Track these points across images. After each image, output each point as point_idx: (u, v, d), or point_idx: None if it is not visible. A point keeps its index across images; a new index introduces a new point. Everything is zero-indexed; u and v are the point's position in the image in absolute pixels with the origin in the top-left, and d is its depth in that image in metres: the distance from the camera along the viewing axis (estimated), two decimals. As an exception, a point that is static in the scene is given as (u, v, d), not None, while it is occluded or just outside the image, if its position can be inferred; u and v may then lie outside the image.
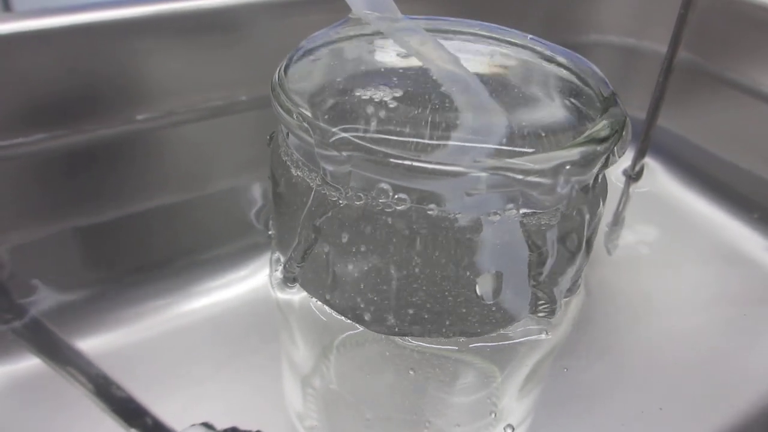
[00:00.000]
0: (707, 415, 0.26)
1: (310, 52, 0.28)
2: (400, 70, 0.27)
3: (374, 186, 0.22)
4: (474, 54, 0.29)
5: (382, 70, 0.27)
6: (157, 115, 0.32)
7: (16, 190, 0.30)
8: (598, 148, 0.22)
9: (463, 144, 0.23)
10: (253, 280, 0.31)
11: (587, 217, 0.25)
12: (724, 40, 0.40)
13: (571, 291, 0.29)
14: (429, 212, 0.23)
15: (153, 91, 0.32)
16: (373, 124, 0.24)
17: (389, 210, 0.23)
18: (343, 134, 0.22)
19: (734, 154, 0.41)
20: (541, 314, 0.27)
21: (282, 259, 0.28)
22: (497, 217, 0.23)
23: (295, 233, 0.25)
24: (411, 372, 0.26)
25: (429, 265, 0.24)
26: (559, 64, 0.28)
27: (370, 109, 0.24)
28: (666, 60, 0.37)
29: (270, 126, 0.28)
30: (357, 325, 0.27)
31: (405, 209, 0.23)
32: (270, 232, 0.33)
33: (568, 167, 0.21)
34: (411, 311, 0.25)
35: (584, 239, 0.26)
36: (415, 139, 0.23)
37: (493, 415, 0.25)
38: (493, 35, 0.30)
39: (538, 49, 0.29)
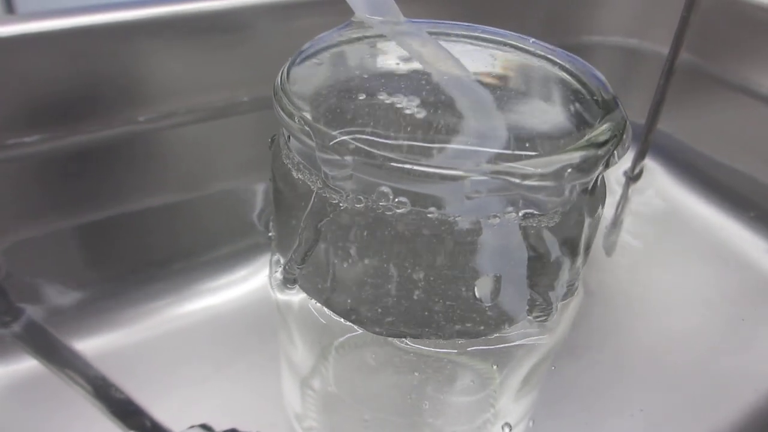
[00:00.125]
0: (706, 415, 0.26)
1: (312, 55, 0.28)
2: (403, 74, 0.27)
3: (375, 189, 0.22)
4: (475, 57, 0.29)
5: (385, 73, 0.27)
6: (159, 115, 0.32)
7: (16, 190, 0.30)
8: (599, 151, 0.22)
9: (463, 147, 0.23)
10: (252, 282, 0.31)
11: (586, 219, 0.25)
12: (726, 41, 0.40)
13: (568, 294, 0.29)
14: (429, 215, 0.23)
15: (154, 92, 0.32)
16: (375, 128, 0.24)
17: (389, 213, 0.23)
18: (344, 138, 0.22)
19: (734, 155, 0.41)
20: (536, 317, 0.27)
21: (282, 261, 0.28)
22: (497, 220, 0.23)
23: (296, 235, 0.25)
24: (409, 374, 0.26)
25: (428, 268, 0.24)
26: (561, 68, 0.28)
27: (371, 113, 0.24)
28: (667, 62, 0.37)
29: (271, 127, 0.28)
30: (356, 327, 0.27)
31: (405, 212, 0.23)
32: (270, 234, 0.33)
33: (568, 171, 0.21)
34: (410, 313, 0.25)
35: (583, 242, 0.26)
36: (416, 143, 0.23)
37: (491, 415, 0.25)
38: (495, 38, 0.30)
39: (540, 52, 0.29)
